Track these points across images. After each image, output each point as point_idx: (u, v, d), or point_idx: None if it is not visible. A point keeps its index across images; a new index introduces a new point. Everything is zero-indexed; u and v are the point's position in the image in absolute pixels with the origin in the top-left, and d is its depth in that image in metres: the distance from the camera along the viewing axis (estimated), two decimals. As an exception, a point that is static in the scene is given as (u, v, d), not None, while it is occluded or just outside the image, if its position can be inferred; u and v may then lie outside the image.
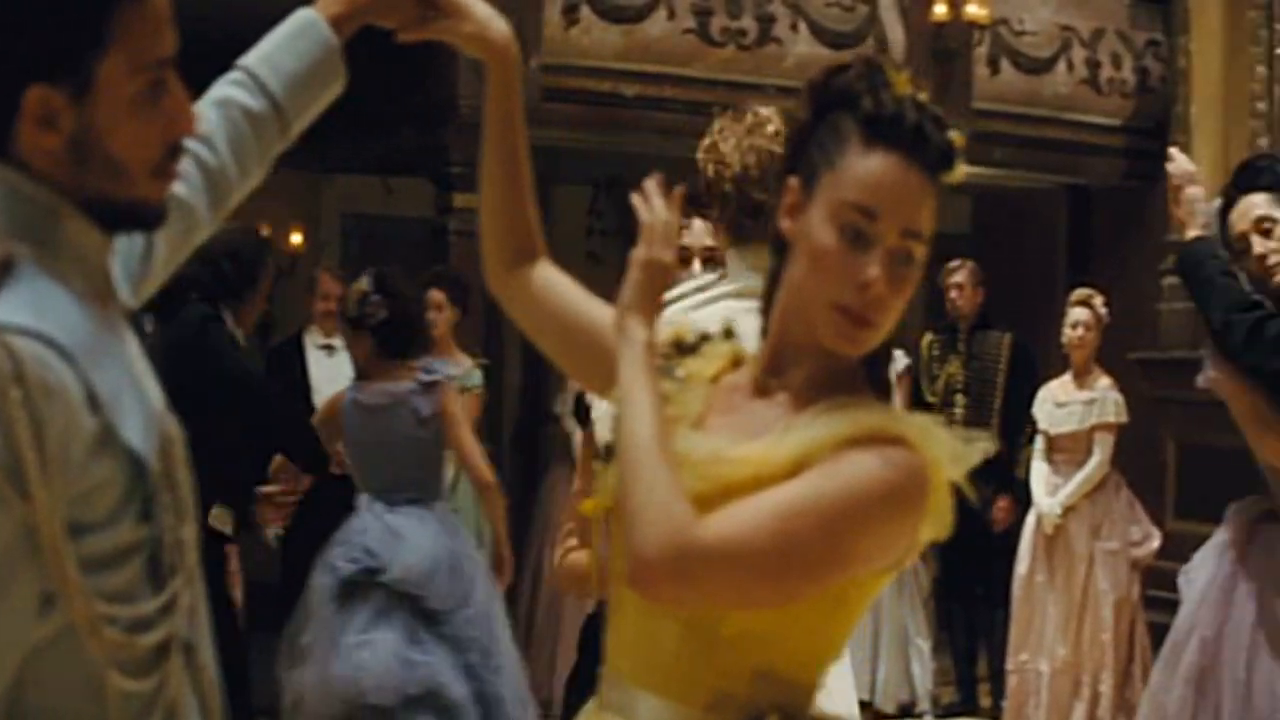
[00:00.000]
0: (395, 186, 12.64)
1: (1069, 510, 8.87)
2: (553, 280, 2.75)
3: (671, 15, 9.86)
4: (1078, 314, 9.05)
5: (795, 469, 2.31)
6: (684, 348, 2.59)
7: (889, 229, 2.36)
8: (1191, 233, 4.92)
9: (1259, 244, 4.88)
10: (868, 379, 2.49)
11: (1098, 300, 9.09)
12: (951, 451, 2.38)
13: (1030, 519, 9.04)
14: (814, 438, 2.33)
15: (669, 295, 2.65)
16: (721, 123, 3.80)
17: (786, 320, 2.47)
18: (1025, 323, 10.34)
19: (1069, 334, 9.05)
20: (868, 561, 2.36)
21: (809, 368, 2.45)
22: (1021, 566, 9.00)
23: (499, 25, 2.68)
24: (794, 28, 10.21)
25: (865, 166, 2.37)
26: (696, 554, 2.23)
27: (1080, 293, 9.26)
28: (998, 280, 10.45)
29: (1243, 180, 5.01)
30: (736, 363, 2.58)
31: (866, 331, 2.39)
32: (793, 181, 2.45)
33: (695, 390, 2.53)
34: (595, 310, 2.67)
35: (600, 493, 2.46)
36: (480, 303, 8.46)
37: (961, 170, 2.43)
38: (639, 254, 2.47)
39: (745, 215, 3.67)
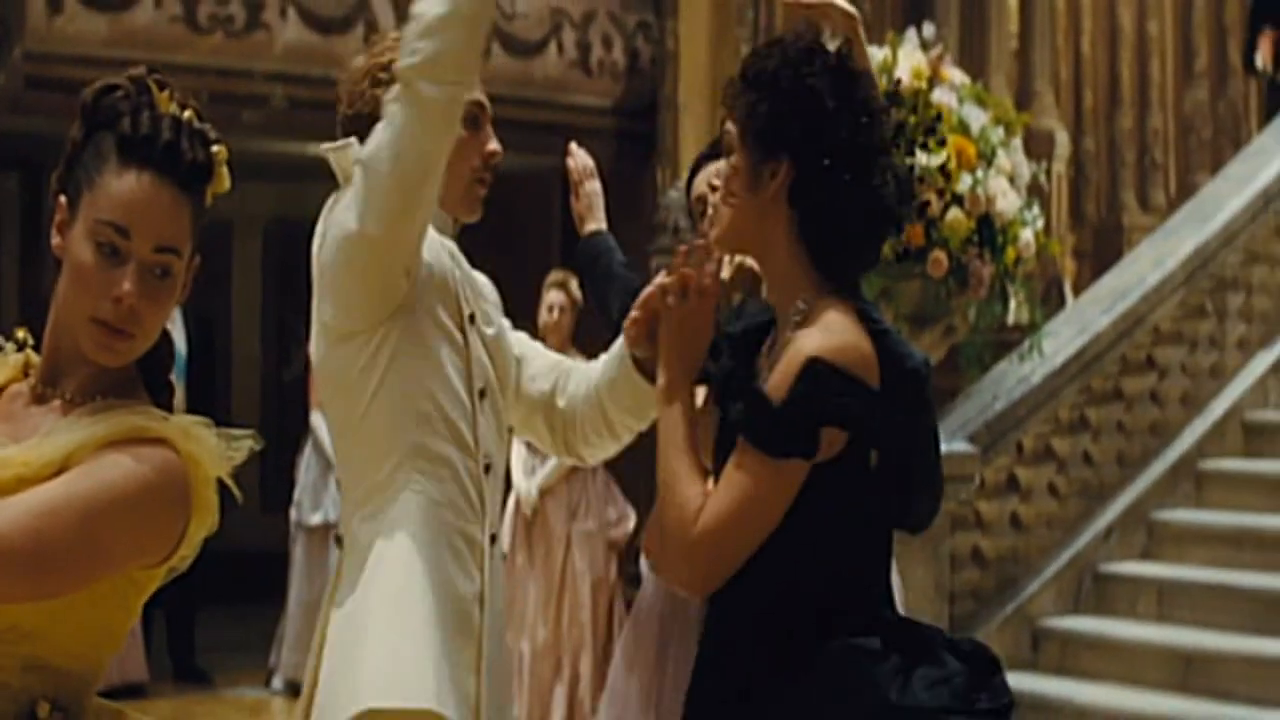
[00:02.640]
0: None
1: (546, 493, 8.93)
2: None
3: (159, 3, 9.87)
4: (553, 297, 9.11)
5: (57, 470, 2.44)
6: None
7: (141, 245, 2.51)
8: (590, 227, 4.93)
9: (711, 202, 4.94)
10: (147, 384, 2.65)
11: (573, 283, 9.01)
12: (213, 450, 2.54)
13: (510, 502, 8.99)
14: (75, 439, 2.47)
15: None
16: None
17: (58, 332, 2.59)
18: (523, 303, 10.26)
19: (545, 317, 9.06)
20: (129, 558, 2.49)
21: (81, 375, 2.58)
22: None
23: None
24: (283, 14, 10.29)
25: (118, 185, 2.52)
26: None
27: (555, 275, 9.27)
28: (494, 260, 10.43)
29: (712, 151, 5.05)
30: (28, 371, 2.68)
31: (124, 342, 2.54)
32: (61, 200, 2.58)
33: None
34: None
35: None
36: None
37: (225, 183, 2.61)
38: None
39: None
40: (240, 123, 10.17)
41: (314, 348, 3.65)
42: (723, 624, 3.14)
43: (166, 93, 2.58)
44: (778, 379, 2.99)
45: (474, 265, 10.04)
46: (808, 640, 3.05)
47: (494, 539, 3.69)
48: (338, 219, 3.53)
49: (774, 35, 3.38)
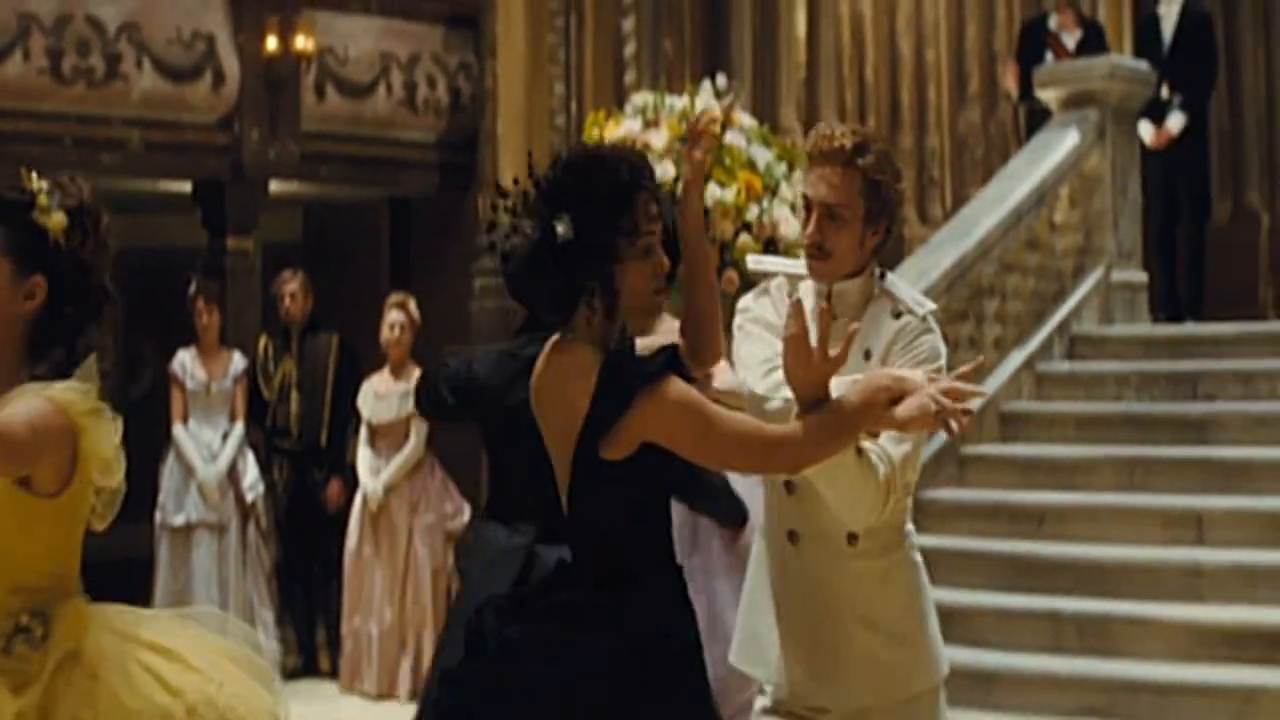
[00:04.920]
0: None
1: (391, 490, 9.96)
2: None
3: (27, 56, 10.67)
4: (394, 316, 10.18)
5: None
6: None
7: None
8: None
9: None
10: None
11: (411, 304, 10.25)
12: None
13: (358, 499, 10.08)
14: None
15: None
16: None
17: None
18: (353, 324, 11.10)
19: (387, 334, 10.14)
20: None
21: None
22: (351, 541, 10.03)
23: None
24: (139, 65, 11.12)
25: None
26: None
27: (395, 297, 10.38)
28: (328, 285, 11.39)
29: None
30: None
31: None
32: None
33: None
34: None
35: None
36: None
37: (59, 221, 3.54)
38: None
39: None
40: (100, 164, 11.11)
41: None
42: None
43: None
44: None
45: (311, 290, 10.69)
46: None
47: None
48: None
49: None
